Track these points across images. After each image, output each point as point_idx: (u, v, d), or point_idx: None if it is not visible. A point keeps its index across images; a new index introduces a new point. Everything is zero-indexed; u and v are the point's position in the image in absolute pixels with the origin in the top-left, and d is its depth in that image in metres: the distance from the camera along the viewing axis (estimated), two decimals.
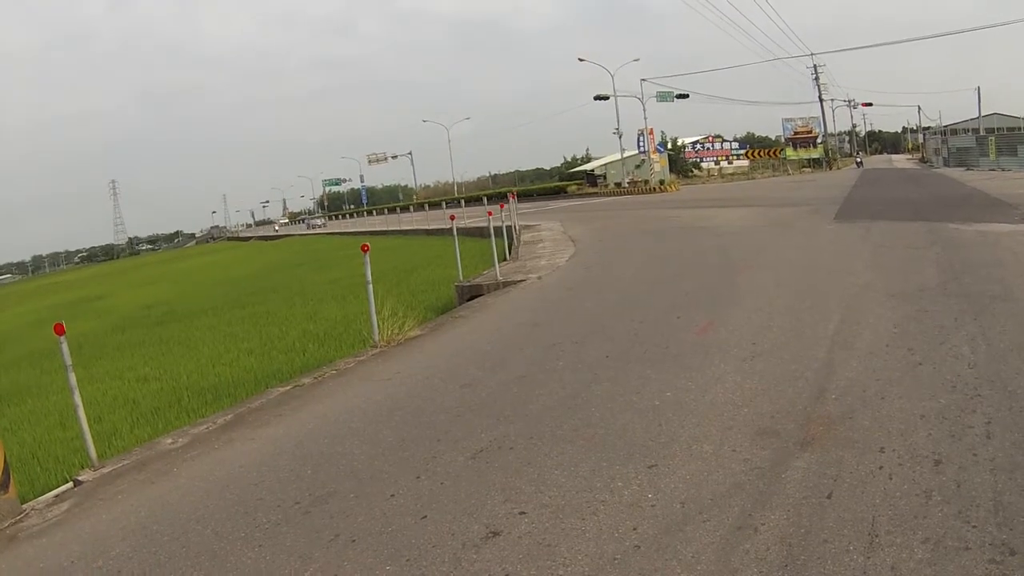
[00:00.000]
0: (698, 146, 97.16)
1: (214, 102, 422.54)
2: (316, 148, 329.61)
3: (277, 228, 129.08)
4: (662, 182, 66.76)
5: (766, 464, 5.12)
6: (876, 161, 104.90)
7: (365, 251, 11.73)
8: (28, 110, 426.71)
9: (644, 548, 4.24)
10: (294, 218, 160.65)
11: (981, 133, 67.73)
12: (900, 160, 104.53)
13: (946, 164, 62.81)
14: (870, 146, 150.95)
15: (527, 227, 29.61)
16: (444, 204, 72.84)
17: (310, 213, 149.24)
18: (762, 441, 5.52)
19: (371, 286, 11.49)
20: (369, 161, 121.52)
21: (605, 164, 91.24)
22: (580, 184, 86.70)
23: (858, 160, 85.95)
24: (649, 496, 4.86)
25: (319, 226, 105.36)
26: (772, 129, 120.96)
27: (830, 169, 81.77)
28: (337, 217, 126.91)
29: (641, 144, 74.43)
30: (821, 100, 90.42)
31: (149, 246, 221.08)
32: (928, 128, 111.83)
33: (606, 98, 71.74)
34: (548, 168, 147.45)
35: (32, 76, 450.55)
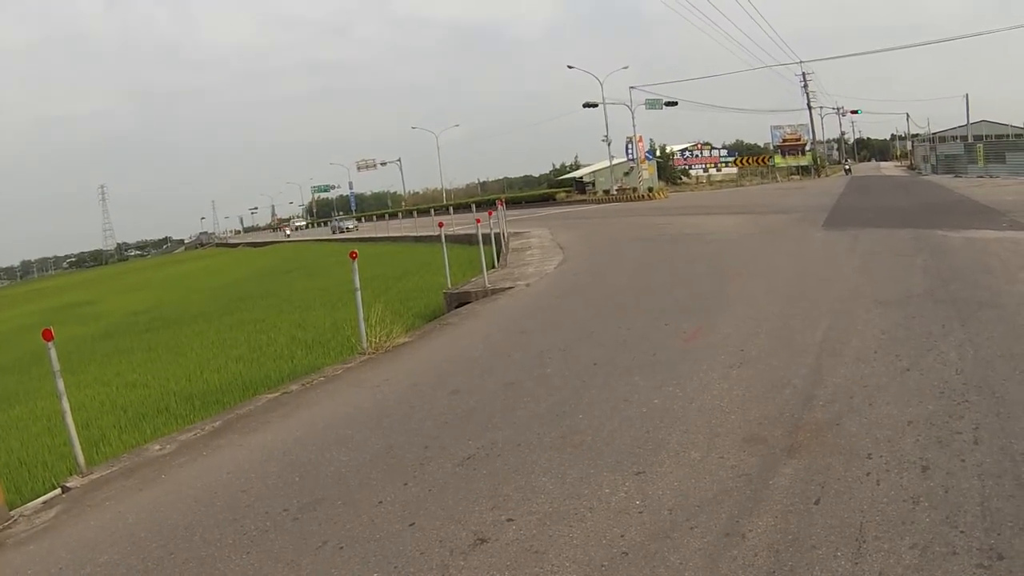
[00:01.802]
0: (687, 153, 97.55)
1: (203, 107, 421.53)
2: (305, 154, 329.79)
3: (289, 232, 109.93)
4: (651, 189, 66.86)
5: (754, 471, 5.12)
6: (864, 168, 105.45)
7: (353, 258, 11.73)
8: (16, 111, 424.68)
9: (632, 555, 4.24)
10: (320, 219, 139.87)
11: (969, 140, 68.21)
12: (888, 167, 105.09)
13: (934, 171, 63.14)
14: (859, 153, 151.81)
15: (516, 234, 29.61)
16: (433, 211, 72.75)
17: (340, 213, 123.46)
18: (750, 448, 5.53)
19: (359, 293, 11.49)
20: (358, 168, 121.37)
21: (594, 171, 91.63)
22: (569, 191, 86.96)
23: (846, 167, 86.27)
24: (637, 503, 4.86)
25: (350, 229, 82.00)
26: (761, 136, 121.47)
27: (818, 176, 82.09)
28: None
29: (630, 151, 74.59)
30: (810, 108, 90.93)
31: (138, 251, 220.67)
32: (917, 135, 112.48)
33: (595, 105, 71.77)
34: (537, 175, 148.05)
35: (22, 77, 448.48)
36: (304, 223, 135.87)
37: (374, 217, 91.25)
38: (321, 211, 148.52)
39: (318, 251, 54.19)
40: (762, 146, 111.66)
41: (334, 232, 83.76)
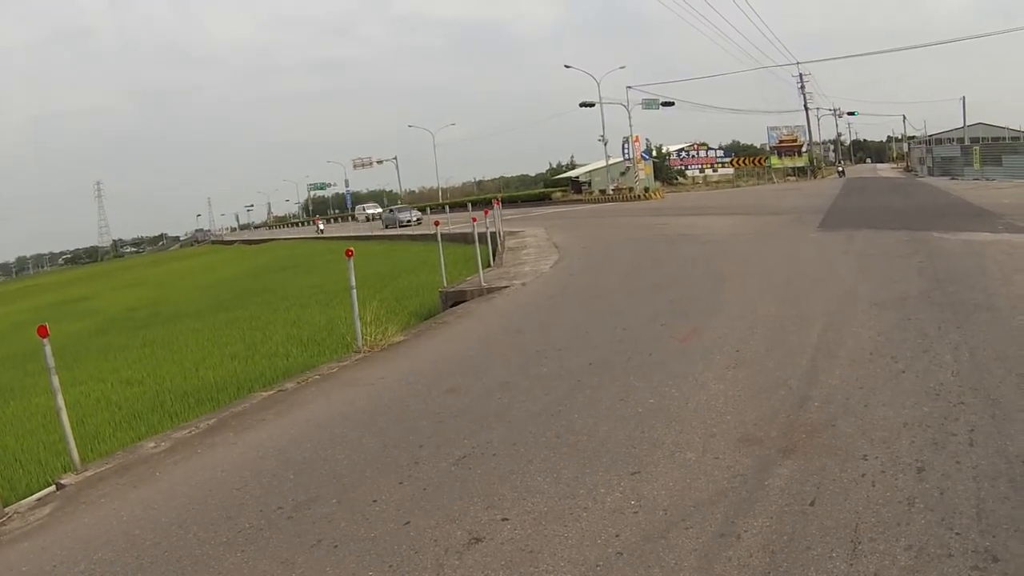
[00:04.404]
0: (683, 154, 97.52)
1: (200, 105, 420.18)
2: (302, 152, 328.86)
3: (322, 227, 79.69)
4: (647, 189, 66.75)
5: (749, 471, 5.13)
6: (860, 170, 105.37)
7: (349, 256, 11.71)
8: (14, 108, 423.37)
9: (627, 555, 4.24)
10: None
11: (966, 143, 68.12)
12: (885, 169, 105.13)
13: (931, 173, 63.22)
14: (855, 155, 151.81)
15: (511, 233, 29.60)
16: (429, 209, 72.11)
17: (395, 203, 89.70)
18: (745, 448, 5.54)
19: (355, 291, 11.47)
20: (354, 165, 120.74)
21: (590, 171, 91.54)
22: (565, 191, 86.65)
23: (840, 169, 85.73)
24: (632, 503, 4.86)
25: (412, 222, 62.09)
26: (757, 137, 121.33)
27: (815, 178, 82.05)
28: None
29: (626, 151, 74.51)
30: (806, 109, 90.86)
31: (133, 248, 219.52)
32: (913, 137, 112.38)
33: (592, 105, 71.70)
34: (533, 174, 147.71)
35: (19, 74, 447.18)
36: (376, 210, 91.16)
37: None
38: (317, 208, 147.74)
39: (312, 249, 54.06)
40: (758, 147, 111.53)
41: (387, 226, 63.75)
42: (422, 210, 69.61)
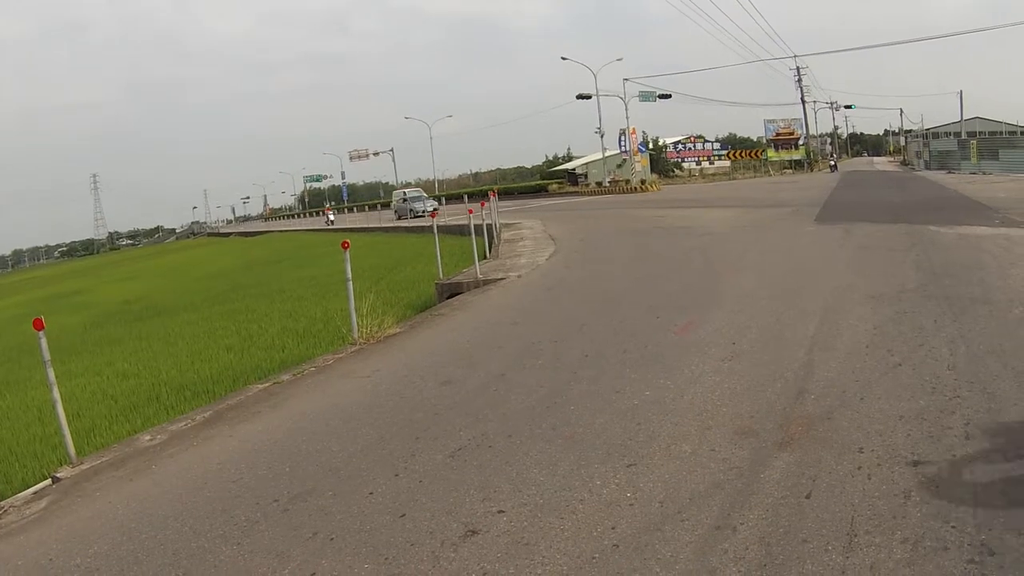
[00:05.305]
0: (680, 146, 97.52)
1: (196, 97, 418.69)
2: (298, 144, 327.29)
3: (332, 218, 72.60)
4: (643, 182, 66.74)
5: (745, 464, 5.13)
6: (857, 163, 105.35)
7: (345, 248, 11.70)
8: (10, 101, 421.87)
9: (623, 547, 4.24)
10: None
11: (963, 137, 68.16)
12: (881, 163, 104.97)
13: (927, 167, 63.17)
14: (851, 148, 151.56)
15: (508, 225, 29.50)
16: None
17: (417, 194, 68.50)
18: (741, 441, 5.54)
19: (351, 283, 11.46)
20: (351, 158, 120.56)
21: (587, 163, 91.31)
22: (561, 183, 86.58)
23: (832, 163, 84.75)
24: (628, 495, 4.86)
25: (428, 212, 45.93)
26: (754, 130, 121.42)
27: (811, 171, 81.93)
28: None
29: (623, 143, 74.39)
30: (803, 102, 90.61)
31: (129, 241, 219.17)
32: (910, 131, 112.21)
33: (588, 97, 71.67)
34: (530, 167, 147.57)
35: (14, 67, 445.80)
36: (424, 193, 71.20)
37: (366, 207, 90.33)
38: (313, 201, 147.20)
39: (308, 241, 53.98)
40: (755, 140, 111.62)
41: (400, 217, 58.38)
42: None
